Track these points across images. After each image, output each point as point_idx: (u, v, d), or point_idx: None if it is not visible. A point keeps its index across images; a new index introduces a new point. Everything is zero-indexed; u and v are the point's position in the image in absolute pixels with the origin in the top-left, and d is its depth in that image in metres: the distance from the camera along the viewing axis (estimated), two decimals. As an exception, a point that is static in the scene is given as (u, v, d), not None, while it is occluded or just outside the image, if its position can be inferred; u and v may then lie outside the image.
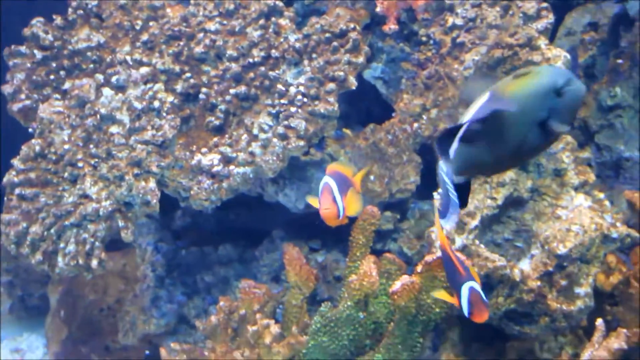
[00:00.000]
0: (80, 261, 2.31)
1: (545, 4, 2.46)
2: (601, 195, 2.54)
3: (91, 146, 2.40)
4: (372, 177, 2.57)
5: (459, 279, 1.89)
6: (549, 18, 2.45)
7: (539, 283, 2.39)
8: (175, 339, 2.64)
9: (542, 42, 2.43)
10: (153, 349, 2.60)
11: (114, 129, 2.42)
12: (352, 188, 1.96)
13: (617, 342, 2.25)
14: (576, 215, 2.44)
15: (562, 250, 2.39)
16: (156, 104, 2.45)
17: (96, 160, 2.40)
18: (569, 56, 2.42)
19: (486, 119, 1.46)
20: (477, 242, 2.43)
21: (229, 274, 2.81)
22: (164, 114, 2.44)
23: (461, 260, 1.95)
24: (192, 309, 2.79)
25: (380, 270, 2.45)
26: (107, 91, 2.44)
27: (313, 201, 1.94)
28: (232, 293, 2.72)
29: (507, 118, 1.49)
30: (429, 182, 2.58)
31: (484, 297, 1.88)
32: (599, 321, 2.29)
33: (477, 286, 1.88)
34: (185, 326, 2.80)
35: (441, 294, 1.98)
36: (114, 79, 2.47)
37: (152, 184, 2.40)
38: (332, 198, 1.92)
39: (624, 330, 2.25)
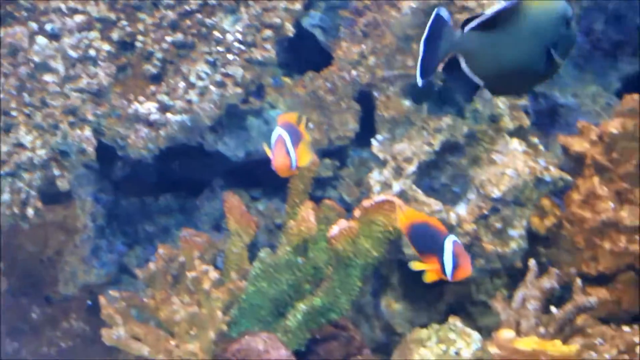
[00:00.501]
0: (16, 210, 2.30)
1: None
2: (535, 140, 2.59)
3: (25, 95, 2.38)
4: (311, 125, 2.59)
5: (440, 236, 1.89)
6: (483, -34, 2.47)
7: (474, 226, 2.44)
8: (117, 288, 2.64)
9: (477, -11, 2.45)
10: (95, 299, 2.59)
11: (48, 77, 2.40)
12: (303, 139, 1.97)
13: (548, 281, 2.31)
14: (510, 160, 2.48)
15: (496, 193, 2.44)
16: (92, 52, 2.43)
17: (30, 109, 2.38)
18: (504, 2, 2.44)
19: (509, 9, 1.49)
20: (414, 187, 2.47)
21: (170, 223, 2.82)
22: (100, 62, 2.42)
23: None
24: (133, 259, 2.79)
25: (320, 216, 2.47)
26: (41, 39, 2.41)
27: (269, 151, 1.95)
28: (173, 242, 2.72)
29: (525, 22, 1.52)
30: (368, 129, 2.60)
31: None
32: (532, 262, 2.35)
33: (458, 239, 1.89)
34: (127, 276, 2.80)
35: (418, 265, 1.97)
36: (48, 27, 2.44)
37: (87, 132, 2.39)
38: (286, 150, 1.93)
39: (555, 270, 2.32)
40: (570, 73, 2.75)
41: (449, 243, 1.85)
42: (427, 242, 1.92)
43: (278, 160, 1.92)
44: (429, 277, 1.91)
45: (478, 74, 1.68)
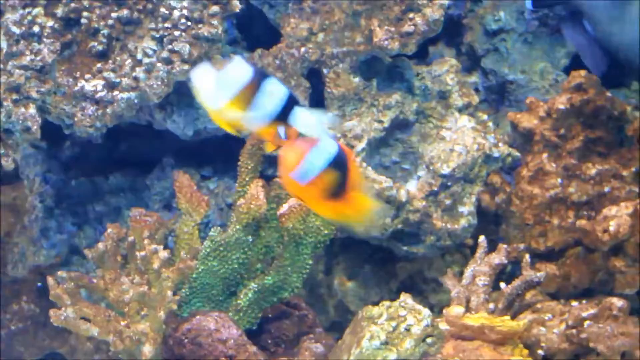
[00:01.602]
0: (-41, 189, 2.27)
1: None
2: (485, 117, 2.61)
3: (-34, 72, 2.34)
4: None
5: None
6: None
7: (424, 203, 2.45)
8: (67, 269, 2.61)
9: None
10: (45, 281, 2.57)
11: (-10, 54, 2.36)
12: None
13: (498, 257, 2.33)
14: (459, 136, 2.50)
15: (445, 170, 2.45)
16: (35, 28, 2.39)
17: (-28, 86, 2.34)
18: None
19: None
20: (364, 164, 2.47)
21: (120, 203, 2.79)
22: (44, 39, 2.38)
23: None
24: (83, 239, 2.76)
25: (271, 194, 2.47)
26: (-18, 16, 2.37)
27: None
28: (123, 222, 2.69)
29: None
30: (317, 106, 2.59)
31: None
32: (482, 238, 2.37)
33: None
34: (77, 257, 2.77)
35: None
36: (-10, 3, 2.39)
37: (32, 109, 2.35)
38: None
39: (504, 246, 2.33)
40: (519, 49, 2.76)
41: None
42: None
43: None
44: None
45: None
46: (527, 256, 2.32)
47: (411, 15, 2.43)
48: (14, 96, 2.34)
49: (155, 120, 2.62)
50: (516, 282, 2.29)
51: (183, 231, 2.46)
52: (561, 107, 2.42)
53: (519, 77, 2.76)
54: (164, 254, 2.29)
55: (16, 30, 2.37)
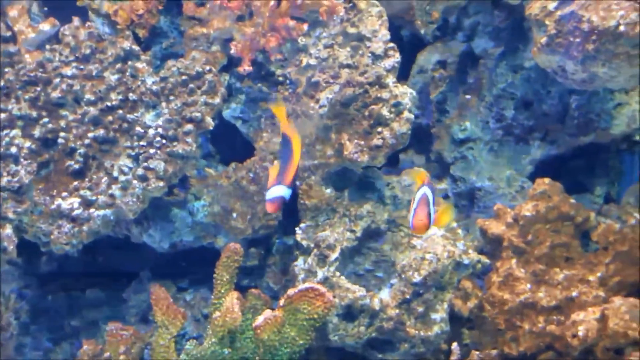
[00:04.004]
0: None
1: (391, 44, 2.57)
2: (454, 224, 2.66)
3: (-56, 194, 2.38)
4: (234, 215, 2.62)
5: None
6: (395, 57, 2.56)
7: (397, 311, 2.48)
8: (42, 387, 2.61)
9: (390, 80, 2.54)
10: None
11: (-32, 176, 2.41)
12: (449, 204, 2.02)
13: (471, 364, 2.35)
14: (430, 244, 2.55)
15: (417, 278, 2.49)
16: (13, 149, 2.45)
17: (-50, 208, 2.38)
18: (415, 93, 2.54)
19: None
20: (338, 273, 2.51)
21: (97, 317, 2.80)
22: (21, 160, 2.44)
23: None
24: (59, 355, 2.76)
25: (246, 305, 2.49)
26: (-40, 138, 2.42)
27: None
28: (101, 336, 2.70)
29: None
30: (291, 217, 2.65)
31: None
32: (454, 345, 2.39)
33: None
34: (53, 373, 2.77)
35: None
36: (-32, 126, 2.45)
37: (8, 230, 2.39)
38: (427, 211, 1.99)
39: (477, 352, 2.36)
40: (485, 158, 2.84)
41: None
42: None
43: (418, 220, 1.99)
44: None
45: None
46: (501, 362, 2.35)
47: (379, 129, 2.51)
48: (-9, 217, 2.38)
49: (131, 234, 2.66)
50: (490, 390, 2.31)
51: (159, 344, 2.47)
52: (527, 214, 2.49)
53: (486, 184, 2.83)
54: (138, 370, 2.30)
55: (-6, 152, 2.43)
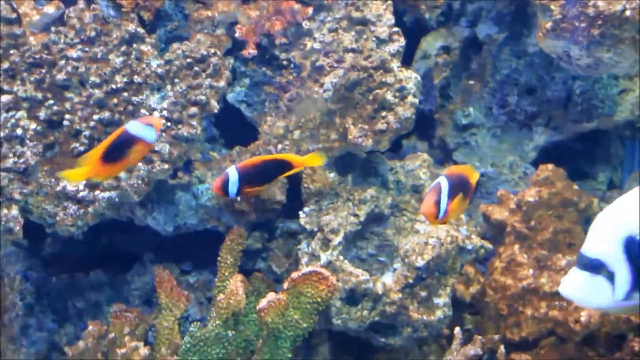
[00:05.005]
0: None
1: (396, 29, 2.58)
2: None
3: (-50, 174, 2.39)
4: (238, 198, 2.63)
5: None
6: (400, 41, 2.57)
7: (400, 295, 2.49)
8: (47, 367, 2.63)
9: (395, 64, 2.54)
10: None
11: (-27, 157, 2.41)
12: (460, 195, 2.05)
13: (473, 348, 2.37)
14: (433, 229, 2.56)
15: (420, 262, 2.50)
16: (19, 131, 2.45)
17: (-44, 188, 2.38)
18: (419, 78, 2.54)
19: None
20: (341, 257, 2.52)
21: (100, 299, 2.81)
22: (27, 141, 2.44)
23: None
24: (63, 336, 2.77)
25: (250, 288, 2.51)
26: (-34, 119, 2.43)
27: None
28: (104, 318, 2.72)
29: None
30: (295, 201, 2.66)
31: None
32: (457, 329, 2.41)
33: None
34: (57, 354, 2.78)
35: None
36: (-26, 107, 2.46)
37: (14, 211, 2.40)
38: (436, 200, 2.02)
39: (479, 337, 2.38)
40: (488, 143, 2.85)
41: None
42: None
43: (424, 207, 2.03)
44: None
45: None
46: (502, 347, 2.36)
47: (384, 113, 2.51)
48: (-3, 198, 2.39)
49: (136, 216, 2.66)
50: (492, 373, 2.32)
51: (163, 326, 2.48)
52: (530, 199, 2.50)
53: (489, 170, 2.85)
54: (144, 350, 2.32)
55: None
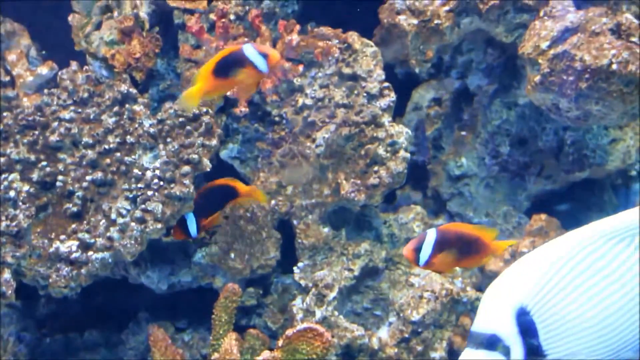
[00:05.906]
0: None
1: (386, 84, 2.60)
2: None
3: (-57, 239, 2.38)
4: (232, 255, 2.62)
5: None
6: (390, 96, 2.59)
7: (396, 350, 2.48)
8: None
9: (386, 119, 2.56)
10: None
11: (-33, 220, 2.41)
12: (453, 251, 2.04)
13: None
14: (428, 282, 2.55)
15: (415, 317, 2.50)
16: (11, 193, 2.45)
17: (-51, 253, 2.38)
18: (410, 132, 2.56)
19: None
20: (336, 313, 2.51)
21: (95, 359, 2.79)
22: (20, 204, 2.45)
23: None
24: (58, 398, 2.75)
25: (245, 346, 2.49)
26: (-41, 183, 2.43)
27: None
28: (99, 379, 2.70)
29: None
30: (289, 256, 2.65)
31: None
32: (454, 384, 2.39)
33: None
34: (49, 419, 2.76)
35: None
36: (-33, 170, 2.46)
37: (7, 274, 2.39)
38: (415, 247, 2.01)
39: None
40: (482, 194, 2.85)
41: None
42: None
43: (405, 250, 2.04)
44: None
45: None
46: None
47: (376, 168, 2.53)
48: (-11, 262, 2.38)
49: (129, 275, 2.66)
50: None
51: (158, 386, 2.46)
52: (525, 250, 2.50)
53: (483, 220, 2.85)
54: (140, 411, 2.29)
55: (-8, 196, 2.44)
